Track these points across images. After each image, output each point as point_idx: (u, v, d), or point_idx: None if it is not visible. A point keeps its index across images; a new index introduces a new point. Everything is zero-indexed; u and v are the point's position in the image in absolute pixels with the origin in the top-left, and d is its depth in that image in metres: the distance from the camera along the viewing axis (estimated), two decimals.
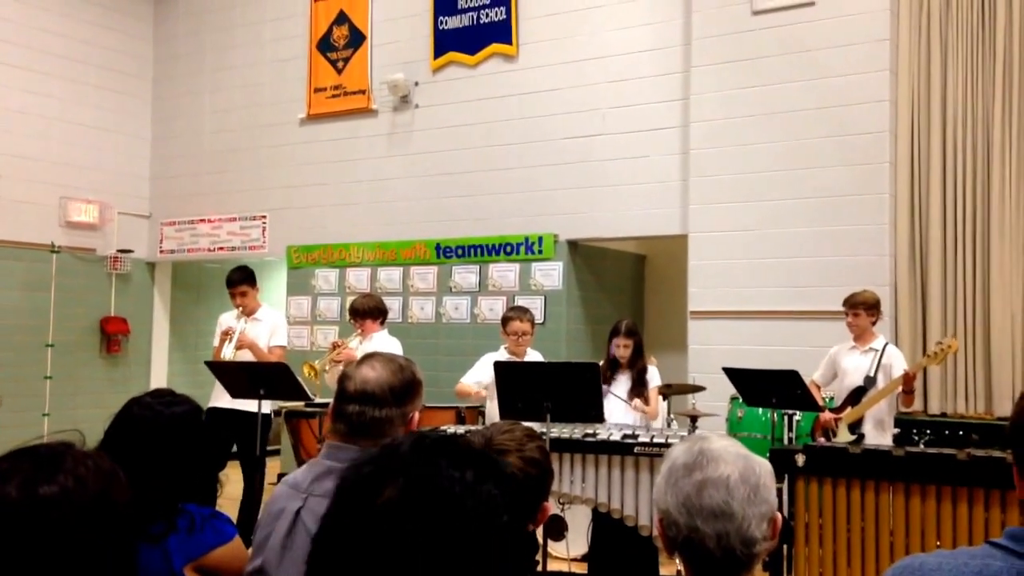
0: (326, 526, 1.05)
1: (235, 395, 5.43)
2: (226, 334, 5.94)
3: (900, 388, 5.13)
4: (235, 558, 2.17)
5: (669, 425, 5.70)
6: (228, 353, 5.85)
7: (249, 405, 5.56)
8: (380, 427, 2.02)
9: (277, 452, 8.63)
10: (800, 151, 6.50)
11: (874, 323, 5.40)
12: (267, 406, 5.73)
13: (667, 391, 5.70)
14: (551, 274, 7.61)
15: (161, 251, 9.77)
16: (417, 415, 2.11)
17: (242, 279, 6.07)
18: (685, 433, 4.94)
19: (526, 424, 2.19)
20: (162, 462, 2.16)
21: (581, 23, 7.54)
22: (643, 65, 7.26)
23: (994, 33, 6.16)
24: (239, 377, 5.34)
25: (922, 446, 5.37)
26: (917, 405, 5.95)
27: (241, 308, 6.05)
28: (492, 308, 7.70)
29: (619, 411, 5.27)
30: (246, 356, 5.87)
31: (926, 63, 6.36)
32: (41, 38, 8.96)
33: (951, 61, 6.28)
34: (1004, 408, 5.90)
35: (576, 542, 5.56)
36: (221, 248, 9.35)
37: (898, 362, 5.26)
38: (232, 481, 5.85)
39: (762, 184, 6.62)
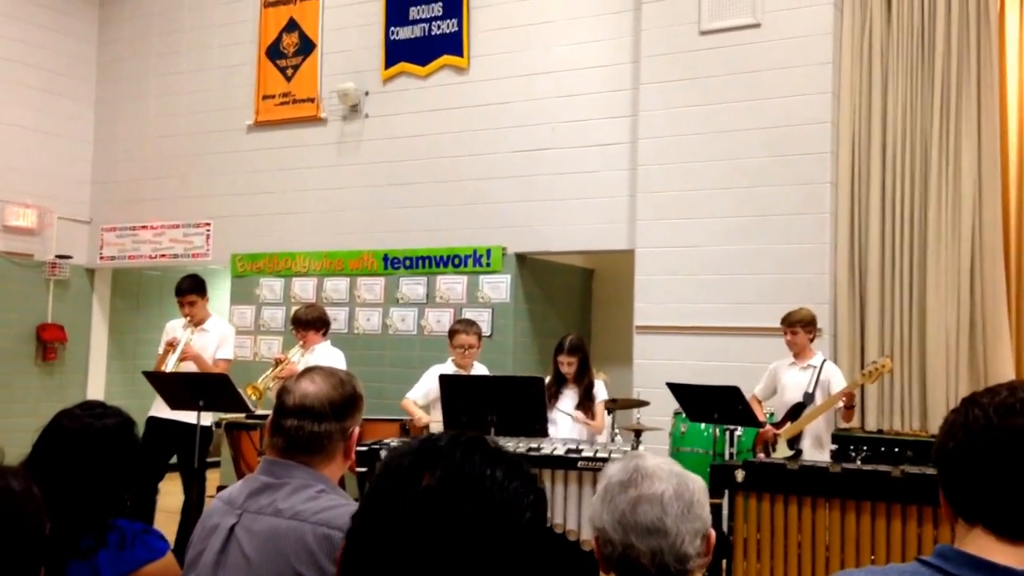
0: (367, 506, 1.12)
1: (174, 406, 5.33)
2: (171, 344, 5.82)
3: (840, 403, 5.23)
4: (167, 574, 2.13)
5: (613, 439, 5.73)
6: (171, 364, 5.72)
7: (189, 416, 5.46)
8: (319, 442, 2.00)
9: (217, 464, 8.49)
10: (744, 169, 6.60)
11: (812, 339, 5.51)
12: (208, 418, 5.64)
13: (612, 406, 5.73)
14: (499, 287, 7.61)
15: (101, 257, 9.57)
16: (357, 430, 2.09)
17: (191, 288, 5.94)
18: (629, 447, 4.97)
19: None
20: (92, 476, 2.11)
21: (532, 37, 7.59)
22: (593, 81, 7.32)
23: (933, 59, 6.33)
24: (178, 388, 5.24)
25: (859, 462, 5.46)
26: (855, 421, 6.07)
27: (189, 318, 5.93)
28: (439, 320, 7.68)
29: (566, 427, 5.28)
30: (191, 367, 5.76)
31: (867, 87, 6.51)
32: None
33: (891, 85, 6.44)
34: (938, 426, 6.02)
35: None
36: (163, 255, 9.20)
37: (836, 379, 5.36)
38: (170, 493, 5.78)
39: (707, 201, 6.71)
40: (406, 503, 1.07)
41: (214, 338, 5.99)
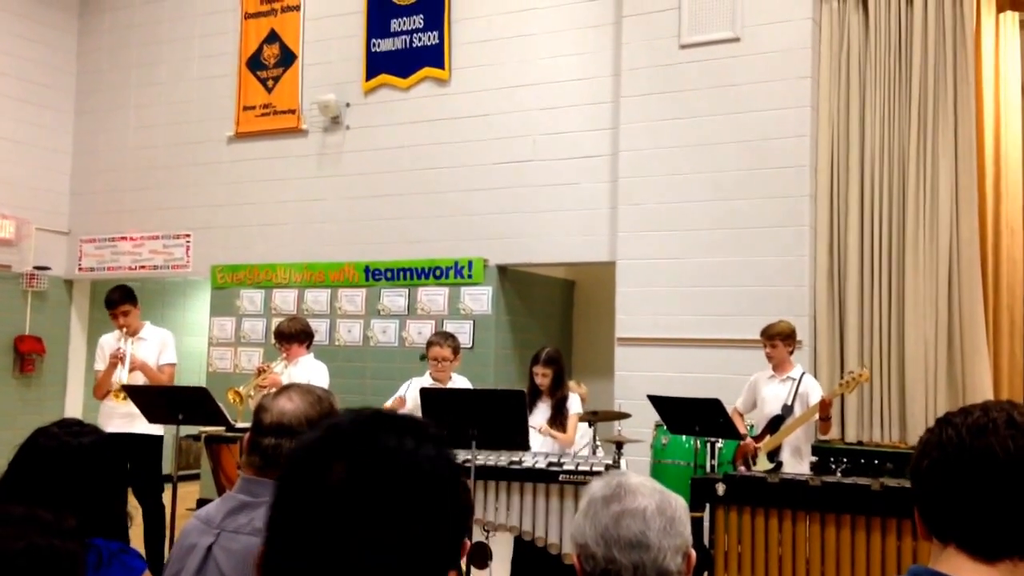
0: (278, 511, 1.05)
1: (153, 420, 5.29)
2: (116, 357, 5.78)
3: (817, 415, 5.25)
4: None
5: (594, 452, 5.73)
6: (123, 377, 5.69)
7: (143, 428, 5.45)
8: None
9: (197, 477, 8.44)
10: (724, 182, 6.64)
11: (791, 352, 5.52)
12: (159, 428, 5.62)
13: (593, 418, 5.72)
14: (480, 299, 7.61)
15: (80, 269, 9.50)
16: None
17: (123, 298, 5.91)
18: (610, 460, 4.97)
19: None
20: (69, 494, 2.09)
21: (514, 50, 7.61)
22: (574, 94, 7.35)
23: (910, 74, 6.40)
24: (157, 401, 5.20)
25: (839, 474, 5.49)
26: (835, 433, 6.10)
27: (124, 329, 5.90)
28: (420, 332, 7.66)
29: (536, 441, 5.27)
30: (138, 378, 5.74)
31: (845, 101, 6.57)
32: None
33: (869, 99, 6.50)
34: (917, 437, 6.05)
35: (500, 570, 5.53)
36: (143, 267, 9.13)
37: (815, 391, 5.38)
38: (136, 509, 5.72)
39: (688, 214, 6.74)
40: (320, 503, 1.00)
41: (154, 345, 5.98)
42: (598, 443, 5.86)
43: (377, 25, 8.17)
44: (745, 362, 6.11)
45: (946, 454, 1.33)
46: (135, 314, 5.96)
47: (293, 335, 5.94)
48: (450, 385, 5.47)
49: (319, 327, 7.81)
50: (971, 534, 1.29)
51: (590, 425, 5.74)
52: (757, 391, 5.60)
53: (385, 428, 1.05)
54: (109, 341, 5.99)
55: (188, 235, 8.92)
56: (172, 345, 6.09)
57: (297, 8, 8.56)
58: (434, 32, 7.93)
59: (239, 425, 5.84)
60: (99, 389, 5.95)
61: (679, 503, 1.69)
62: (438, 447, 1.05)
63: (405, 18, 8.06)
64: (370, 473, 1.00)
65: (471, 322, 7.58)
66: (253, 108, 8.70)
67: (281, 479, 1.05)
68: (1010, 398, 6.10)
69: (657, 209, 6.85)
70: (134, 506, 5.73)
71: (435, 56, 7.92)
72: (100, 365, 5.97)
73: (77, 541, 1.46)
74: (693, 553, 1.67)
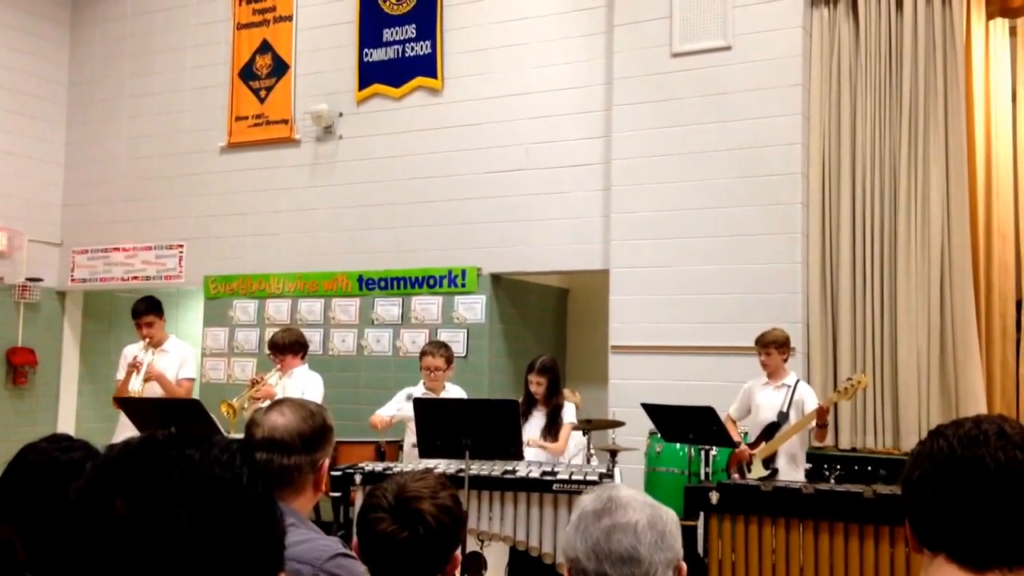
0: (73, 555, 0.97)
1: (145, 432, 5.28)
2: (133, 366, 5.78)
3: (813, 422, 5.26)
4: None
5: (589, 461, 5.73)
6: (136, 386, 5.69)
7: None
8: (288, 475, 1.99)
9: None
10: (716, 190, 6.66)
11: (785, 360, 5.54)
12: None
13: (587, 426, 5.73)
14: (474, 307, 7.61)
15: (72, 280, 9.47)
16: (327, 462, 2.08)
17: (148, 309, 5.94)
18: (604, 469, 4.97)
19: (439, 471, 2.18)
20: (59, 510, 2.08)
21: (506, 59, 7.62)
22: (566, 102, 7.36)
23: (900, 82, 6.42)
24: (150, 414, 5.19)
25: (832, 481, 5.50)
26: (828, 440, 6.10)
27: (148, 339, 5.91)
28: (414, 341, 7.65)
29: (530, 449, 5.28)
30: (155, 389, 5.73)
31: (836, 108, 6.59)
32: None
33: (860, 107, 6.52)
34: (910, 443, 6.08)
35: None
36: (135, 277, 9.11)
37: (810, 398, 5.40)
38: None
39: (680, 221, 6.76)
40: (113, 549, 0.92)
41: (175, 358, 5.98)
42: (592, 451, 5.87)
43: (369, 35, 8.18)
44: (738, 369, 6.12)
45: (937, 465, 1.34)
46: (160, 325, 5.99)
47: (287, 346, 5.94)
48: (444, 394, 5.48)
49: (313, 337, 7.80)
50: (961, 544, 1.30)
51: (584, 433, 5.74)
52: (751, 398, 5.61)
53: (158, 443, 0.99)
54: (132, 350, 6.03)
55: (181, 245, 8.90)
56: (192, 360, 6.14)
57: (289, 18, 8.57)
58: (426, 42, 7.94)
59: (232, 436, 5.83)
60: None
61: (670, 517, 1.69)
62: (226, 452, 1.00)
63: (397, 28, 8.07)
64: (154, 495, 0.93)
65: (465, 331, 7.58)
66: (246, 118, 8.69)
67: (66, 524, 0.97)
68: (1003, 404, 6.13)
69: (650, 217, 6.86)
70: None
71: (428, 66, 7.93)
72: (121, 374, 5.98)
73: (7, 527, 1.45)
74: (684, 567, 1.67)
